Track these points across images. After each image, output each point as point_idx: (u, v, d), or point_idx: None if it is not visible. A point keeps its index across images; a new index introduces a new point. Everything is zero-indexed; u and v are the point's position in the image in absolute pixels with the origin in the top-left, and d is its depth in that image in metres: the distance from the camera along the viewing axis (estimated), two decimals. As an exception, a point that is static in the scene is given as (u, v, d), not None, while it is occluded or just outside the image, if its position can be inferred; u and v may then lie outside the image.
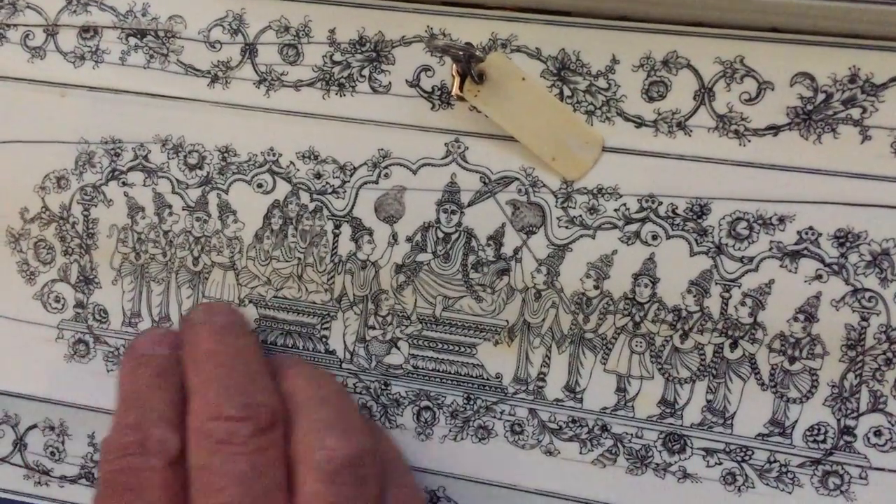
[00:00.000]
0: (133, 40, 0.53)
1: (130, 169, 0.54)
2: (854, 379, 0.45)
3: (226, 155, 0.52)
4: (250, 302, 0.53)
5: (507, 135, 0.47)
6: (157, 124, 0.53)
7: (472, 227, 0.49)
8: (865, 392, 0.44)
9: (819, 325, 0.45)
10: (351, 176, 0.51)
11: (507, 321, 0.48)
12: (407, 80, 0.50)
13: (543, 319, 0.48)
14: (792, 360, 0.46)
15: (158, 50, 0.53)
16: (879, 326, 0.44)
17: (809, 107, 0.45)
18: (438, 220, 0.49)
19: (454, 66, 0.46)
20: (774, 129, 0.45)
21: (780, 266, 0.46)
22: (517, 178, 0.49)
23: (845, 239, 0.45)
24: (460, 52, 0.44)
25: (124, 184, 0.54)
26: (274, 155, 0.52)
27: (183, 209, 0.53)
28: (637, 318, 0.47)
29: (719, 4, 0.45)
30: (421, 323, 0.50)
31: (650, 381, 0.47)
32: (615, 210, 0.47)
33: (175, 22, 0.53)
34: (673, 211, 0.47)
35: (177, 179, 0.54)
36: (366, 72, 0.50)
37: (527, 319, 0.48)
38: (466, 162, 0.49)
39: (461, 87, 0.47)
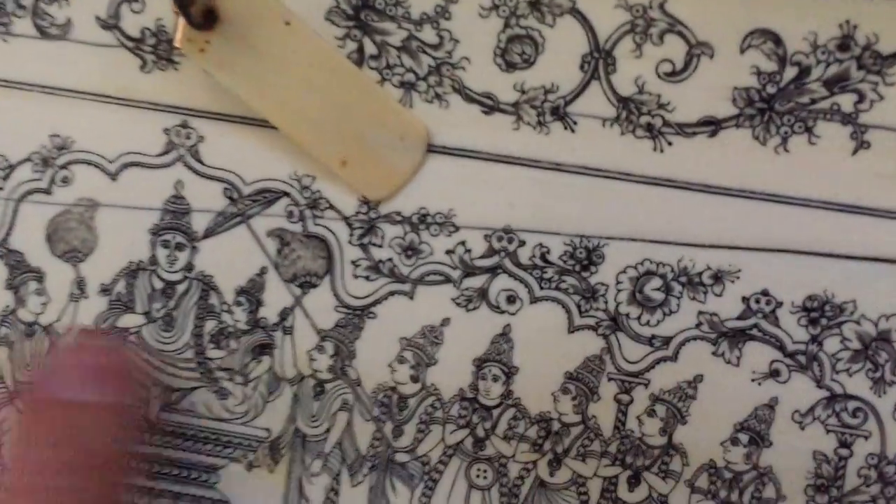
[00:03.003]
0: None
1: None
2: (826, 541, 0.36)
3: None
4: None
5: (265, 119, 0.37)
6: None
7: (212, 274, 0.39)
8: (843, 562, 0.36)
9: (772, 451, 0.36)
10: (5, 179, 0.39)
11: (268, 431, 0.39)
12: (98, 18, 0.39)
13: (328, 429, 0.38)
14: (727, 506, 0.36)
15: None
16: (868, 457, 0.35)
17: (771, 89, 0.35)
18: (155, 260, 0.39)
19: (171, -3, 0.36)
20: (712, 126, 0.35)
21: (713, 353, 0.36)
22: (286, 194, 0.38)
23: (820, 311, 0.35)
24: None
25: None
26: None
27: None
28: (480, 432, 0.37)
29: None
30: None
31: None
32: (448, 252, 0.37)
33: None
34: (542, 256, 0.37)
35: None
36: (27, 1, 0.39)
37: (301, 428, 0.38)
38: (201, 163, 0.38)
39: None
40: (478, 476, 0.37)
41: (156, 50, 0.38)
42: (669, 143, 0.36)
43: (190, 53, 0.35)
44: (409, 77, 0.37)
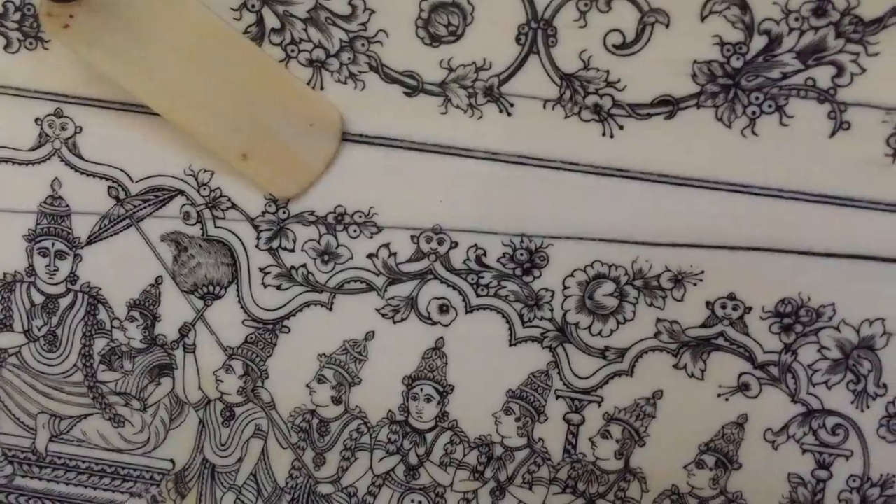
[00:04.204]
0: None
1: None
2: (802, 572, 0.35)
3: None
4: None
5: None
6: None
7: (99, 286, 0.37)
8: None
9: (742, 474, 0.35)
10: None
11: (172, 462, 0.38)
12: (-52, -12, 0.36)
13: (240, 459, 0.38)
14: (692, 536, 0.35)
15: None
16: (849, 479, 0.35)
17: (737, 62, 0.33)
18: (33, 271, 0.37)
19: (30, -39, 0.35)
20: (670, 106, 0.34)
21: (674, 366, 0.35)
22: (180, 192, 0.37)
23: (794, 317, 0.34)
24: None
25: None
26: None
27: None
28: (413, 459, 0.37)
29: None
30: (11, 462, 0.39)
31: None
32: (370, 256, 0.36)
33: None
34: (478, 259, 0.35)
35: None
36: None
37: (209, 458, 0.38)
38: (80, 157, 0.37)
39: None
40: (412, 509, 0.36)
41: (21, 27, 0.35)
42: (620, 127, 0.34)
43: (52, 31, 0.32)
44: (318, 54, 0.35)
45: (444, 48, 0.34)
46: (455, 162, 0.35)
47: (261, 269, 0.36)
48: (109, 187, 0.36)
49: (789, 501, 0.35)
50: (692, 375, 0.34)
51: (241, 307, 0.36)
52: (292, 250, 0.36)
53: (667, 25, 0.33)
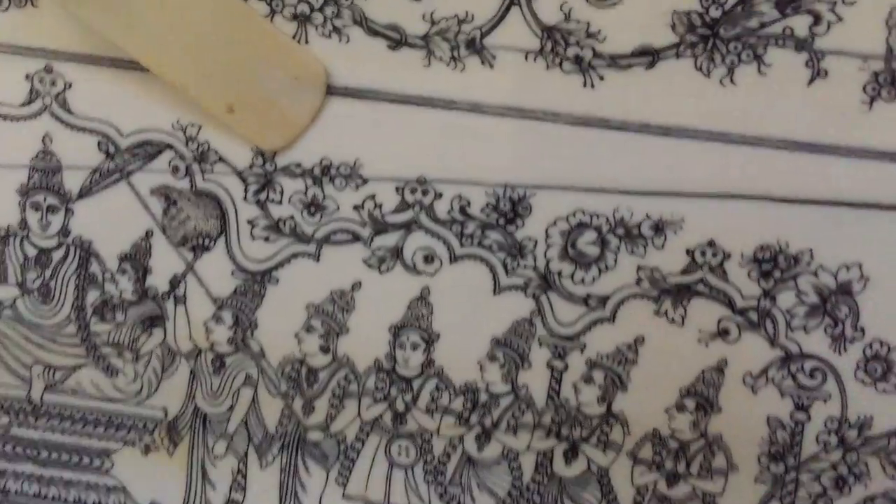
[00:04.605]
0: None
1: None
2: (781, 512, 0.36)
3: None
4: None
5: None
6: None
7: (91, 239, 0.38)
8: (801, 534, 0.36)
9: (722, 418, 0.35)
10: None
11: (164, 410, 0.38)
12: (-62, -58, 0.36)
13: (231, 407, 0.38)
14: (673, 478, 0.36)
15: None
16: (827, 421, 0.35)
17: (715, 12, 0.34)
18: (26, 224, 0.38)
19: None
20: (649, 56, 0.34)
21: (655, 312, 0.35)
22: (169, 146, 0.37)
23: (773, 263, 0.34)
24: None
25: None
26: None
27: None
28: (400, 405, 0.37)
29: None
30: (7, 413, 0.39)
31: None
32: (356, 207, 0.36)
33: None
34: (462, 210, 0.36)
35: None
36: None
37: (201, 407, 0.38)
38: (70, 112, 0.37)
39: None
40: (399, 454, 0.37)
41: (12, -17, 0.35)
42: (601, 78, 0.34)
43: (39, -14, 0.32)
44: (303, 8, 0.35)
45: (427, 1, 0.34)
46: (438, 114, 0.35)
47: (249, 222, 0.36)
48: (99, 142, 0.36)
49: (769, 443, 0.35)
50: (673, 321, 0.34)
51: (230, 259, 0.36)
52: (280, 202, 0.36)
53: (646, -24, 0.32)
